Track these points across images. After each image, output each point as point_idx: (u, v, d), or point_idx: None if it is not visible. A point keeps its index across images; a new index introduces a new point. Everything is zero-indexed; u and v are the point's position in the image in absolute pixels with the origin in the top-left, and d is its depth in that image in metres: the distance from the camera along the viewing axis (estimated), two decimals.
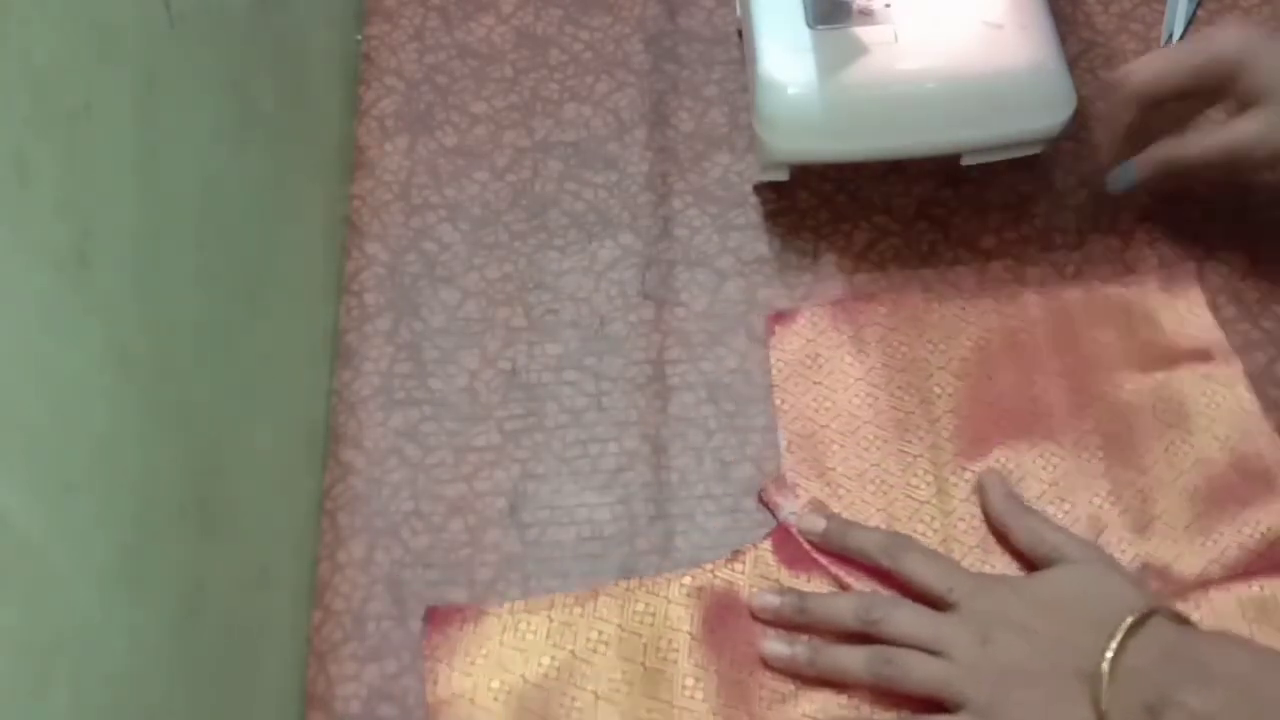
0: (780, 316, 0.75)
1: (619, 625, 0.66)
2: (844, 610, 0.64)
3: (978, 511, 0.68)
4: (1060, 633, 0.60)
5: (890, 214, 0.79)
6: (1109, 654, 0.58)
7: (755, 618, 0.66)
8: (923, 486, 0.69)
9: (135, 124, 0.53)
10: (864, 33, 0.72)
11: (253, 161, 0.67)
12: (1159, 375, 0.71)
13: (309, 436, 0.72)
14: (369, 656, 0.67)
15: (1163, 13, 0.85)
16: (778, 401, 0.72)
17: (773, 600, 0.66)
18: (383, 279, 0.78)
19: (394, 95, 0.84)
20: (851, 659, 0.63)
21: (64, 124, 0.47)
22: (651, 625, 0.66)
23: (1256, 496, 0.67)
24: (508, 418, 0.73)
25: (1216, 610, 0.63)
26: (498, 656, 0.65)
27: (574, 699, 0.64)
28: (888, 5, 0.73)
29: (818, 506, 0.68)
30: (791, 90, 0.72)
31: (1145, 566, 0.66)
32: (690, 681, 0.64)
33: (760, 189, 0.80)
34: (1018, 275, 0.76)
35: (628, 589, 0.67)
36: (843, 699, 0.63)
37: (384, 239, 0.79)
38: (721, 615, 0.66)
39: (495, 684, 0.64)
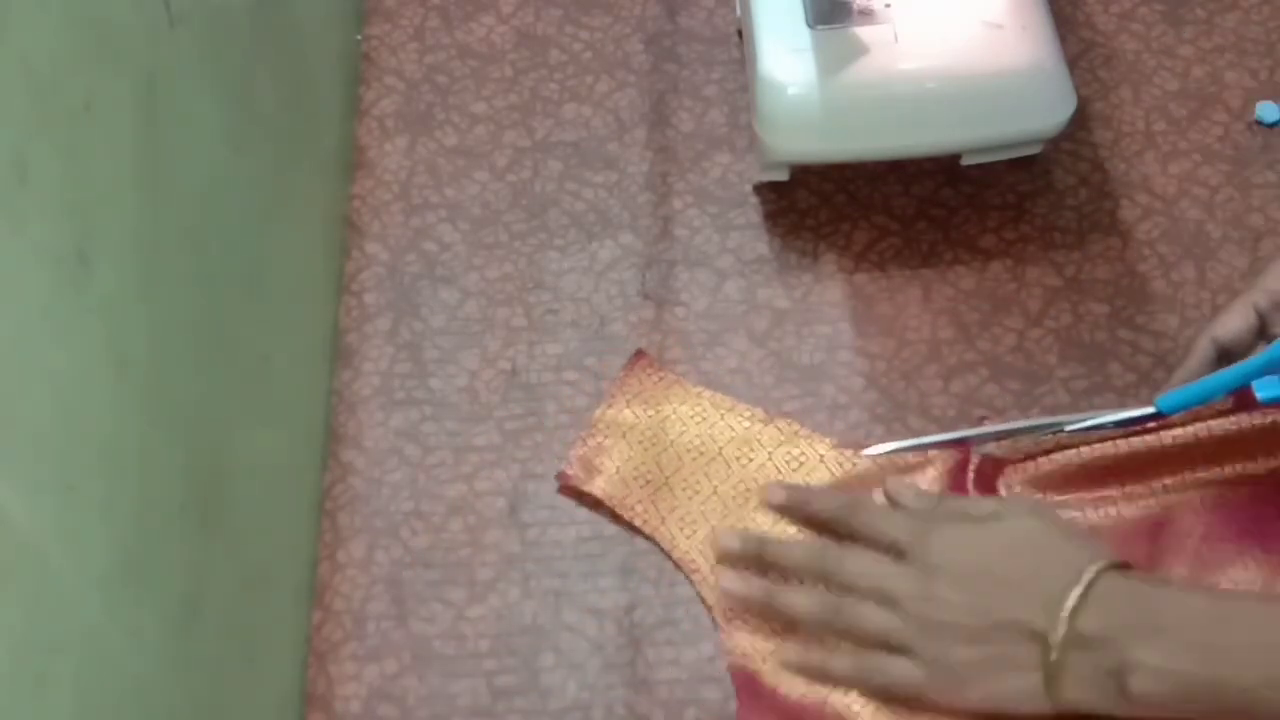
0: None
1: (769, 454, 0.70)
2: (799, 556, 0.65)
3: None
4: (1008, 586, 0.60)
5: (890, 214, 0.79)
6: (1061, 626, 0.57)
7: (720, 558, 0.67)
8: None
9: (135, 124, 0.53)
10: (864, 33, 0.72)
11: (253, 161, 0.67)
12: None
13: (309, 436, 0.72)
14: (369, 656, 0.67)
15: (1163, 13, 0.85)
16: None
17: (734, 543, 0.66)
18: (383, 279, 0.78)
19: (394, 95, 0.84)
20: (802, 601, 0.64)
21: (64, 124, 0.47)
22: (795, 471, 0.69)
23: None
24: (508, 418, 0.73)
25: None
26: (664, 416, 0.71)
27: (698, 488, 0.69)
28: (888, 5, 0.73)
29: None
30: (791, 90, 0.72)
31: None
32: (793, 529, 0.68)
33: (760, 189, 0.80)
34: (1017, 275, 0.76)
35: (796, 432, 0.71)
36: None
37: (384, 239, 0.79)
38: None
39: (648, 434, 0.70)
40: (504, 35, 0.87)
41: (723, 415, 0.71)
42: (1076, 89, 0.74)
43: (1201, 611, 0.58)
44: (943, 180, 0.79)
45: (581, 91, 0.84)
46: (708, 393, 0.72)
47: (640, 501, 0.69)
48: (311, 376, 0.74)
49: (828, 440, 0.70)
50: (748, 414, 0.71)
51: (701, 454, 0.70)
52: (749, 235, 0.79)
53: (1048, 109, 0.74)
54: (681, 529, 0.68)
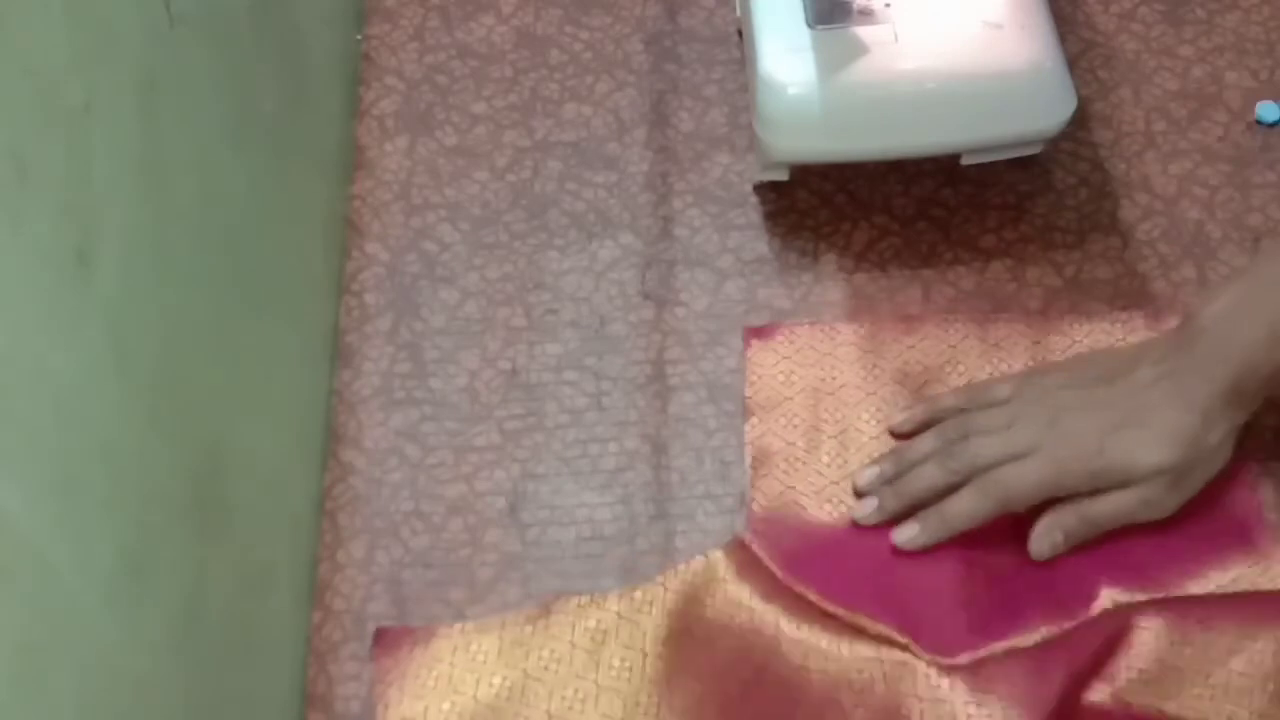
0: (758, 331, 0.74)
1: (571, 642, 0.64)
2: (930, 473, 0.67)
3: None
4: (1106, 371, 0.66)
5: (890, 214, 0.79)
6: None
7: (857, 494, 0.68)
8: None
9: (135, 124, 0.53)
10: (864, 33, 0.72)
11: (253, 161, 0.67)
12: None
13: (309, 436, 0.72)
14: (369, 656, 0.67)
15: (1163, 13, 0.85)
16: (750, 415, 0.71)
17: (868, 505, 0.68)
18: (383, 279, 0.78)
19: (394, 95, 0.84)
20: (961, 505, 0.65)
21: (64, 124, 0.47)
22: (604, 642, 0.64)
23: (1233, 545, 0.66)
24: (508, 418, 0.73)
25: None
26: (449, 677, 0.64)
27: (527, 718, 0.62)
28: (888, 5, 0.73)
29: (772, 520, 0.68)
30: (791, 90, 0.72)
31: None
32: (645, 698, 0.62)
33: (760, 189, 0.80)
34: (1017, 275, 0.76)
35: (579, 605, 0.65)
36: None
37: (384, 239, 0.79)
38: (679, 628, 0.64)
39: (446, 705, 0.63)
40: (504, 35, 0.87)
41: (498, 637, 0.64)
42: (1076, 89, 0.74)
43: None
44: (943, 180, 0.79)
45: (581, 91, 0.84)
46: (470, 624, 0.65)
47: None
48: (311, 376, 0.74)
49: (612, 595, 0.65)
50: (522, 617, 0.65)
51: (510, 690, 0.63)
52: (749, 235, 0.79)
53: (1048, 109, 0.74)
54: None
